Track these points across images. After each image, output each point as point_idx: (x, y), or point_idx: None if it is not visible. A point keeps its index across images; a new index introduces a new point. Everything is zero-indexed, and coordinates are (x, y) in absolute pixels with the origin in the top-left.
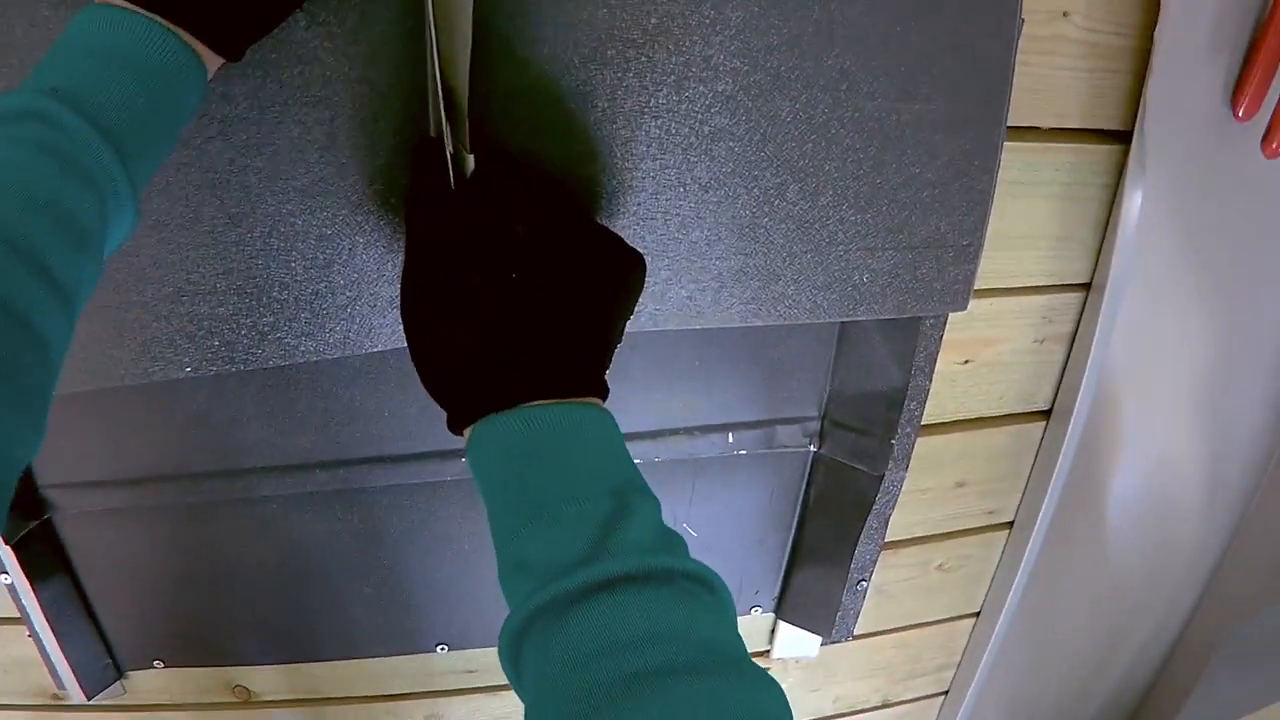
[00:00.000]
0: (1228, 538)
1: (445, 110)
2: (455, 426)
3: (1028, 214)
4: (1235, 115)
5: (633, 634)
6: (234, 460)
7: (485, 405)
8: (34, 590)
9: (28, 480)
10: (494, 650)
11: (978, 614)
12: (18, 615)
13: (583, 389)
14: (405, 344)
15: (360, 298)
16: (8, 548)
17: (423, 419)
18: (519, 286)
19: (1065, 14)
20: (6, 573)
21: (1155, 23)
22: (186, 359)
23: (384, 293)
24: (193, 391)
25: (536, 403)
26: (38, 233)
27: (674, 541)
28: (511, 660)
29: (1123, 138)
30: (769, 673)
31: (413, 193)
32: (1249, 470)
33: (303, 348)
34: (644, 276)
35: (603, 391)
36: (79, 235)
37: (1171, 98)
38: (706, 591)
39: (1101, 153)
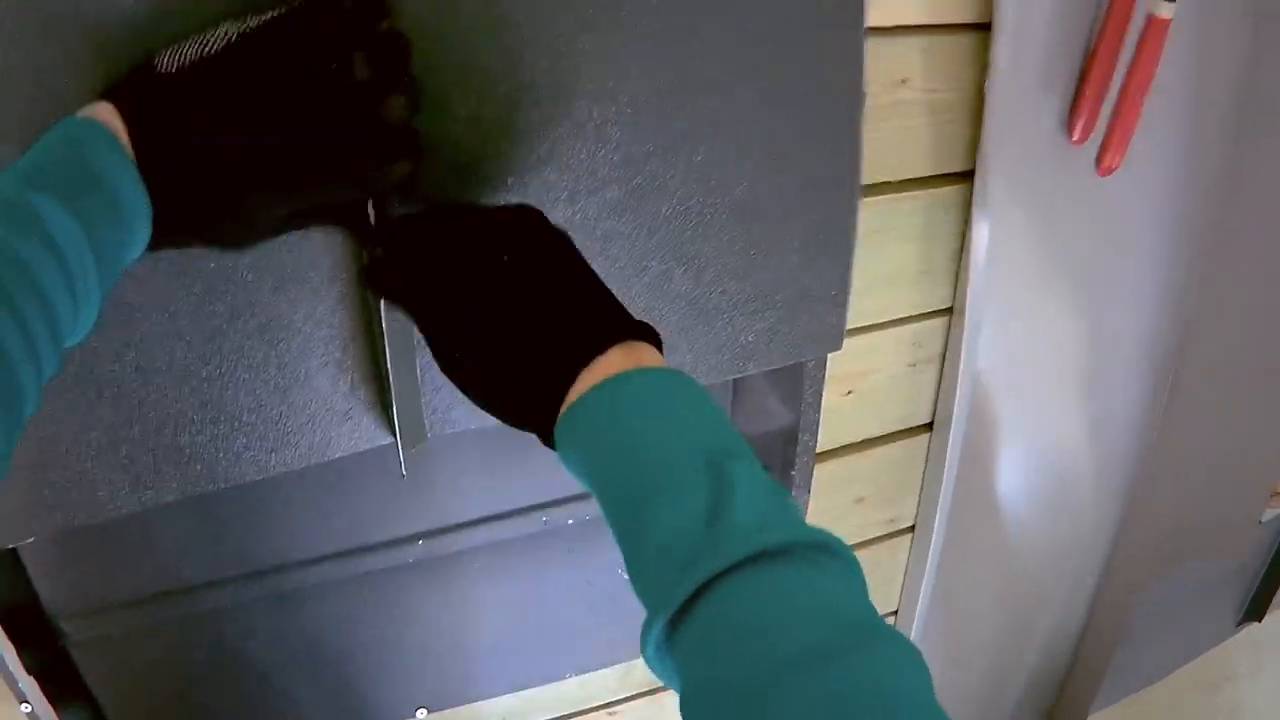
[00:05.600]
0: (1119, 518)
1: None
2: (547, 442)
3: (890, 257)
4: (1071, 139)
5: (765, 620)
6: (224, 569)
7: (548, 409)
8: (57, 717)
9: (39, 612)
10: (472, 705)
11: (895, 613)
12: None
13: (618, 333)
14: (361, 448)
15: (318, 414)
16: (30, 677)
17: (382, 513)
18: (510, 288)
19: (904, 81)
20: (28, 701)
21: (985, 77)
22: (174, 484)
23: (338, 406)
24: (176, 510)
25: (588, 387)
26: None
27: (784, 506)
28: (659, 659)
29: (969, 176)
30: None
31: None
32: (1129, 454)
33: (273, 463)
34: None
35: (640, 330)
36: (53, 326)
37: (1009, 135)
38: (830, 558)
39: (951, 193)
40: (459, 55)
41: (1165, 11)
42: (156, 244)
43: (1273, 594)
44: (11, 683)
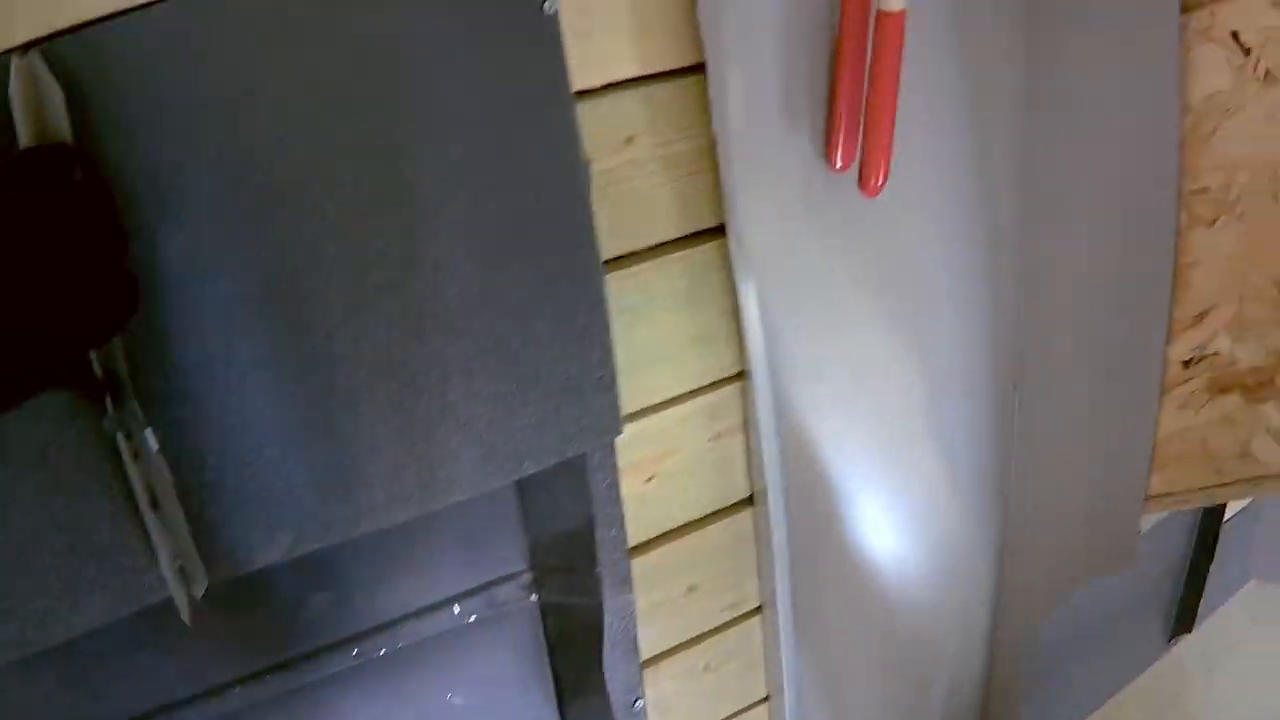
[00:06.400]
0: (993, 556)
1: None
2: None
3: (659, 328)
4: (833, 166)
5: None
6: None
7: None
8: None
9: None
10: None
11: (766, 699)
12: None
13: None
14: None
15: (105, 569)
16: None
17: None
18: None
19: (630, 139)
20: None
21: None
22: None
23: (123, 561)
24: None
25: None
26: None
27: None
28: None
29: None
30: None
31: None
32: (988, 487)
33: (76, 620)
34: None
35: None
36: None
37: (756, 177)
38: None
39: (710, 250)
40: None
41: (896, 4)
42: None
43: (1198, 601)
44: None
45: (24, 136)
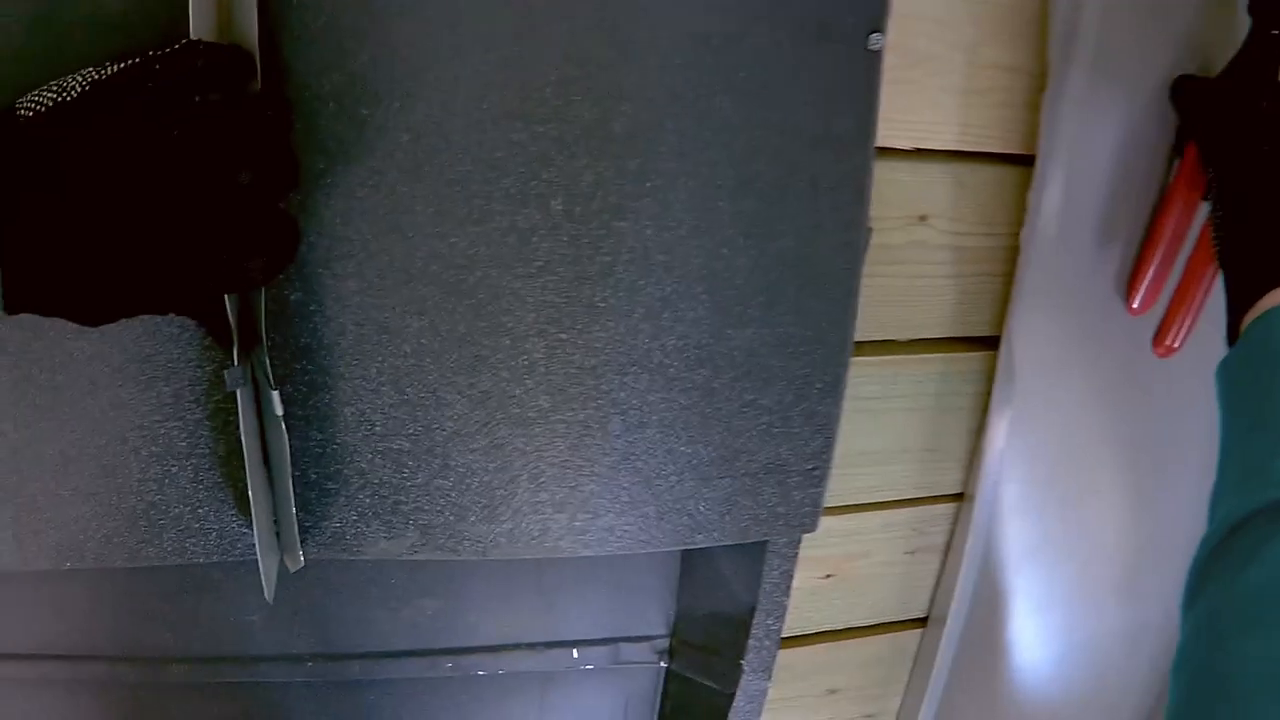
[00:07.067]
0: None
1: (237, 351)
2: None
3: (890, 428)
4: (1129, 306)
5: None
6: (100, 647)
7: None
8: None
9: None
10: None
11: None
12: None
13: None
14: (230, 559)
15: (188, 513)
16: None
17: (266, 626)
18: None
19: (923, 218)
20: None
21: (1023, 221)
22: (42, 556)
23: (209, 512)
24: (63, 578)
25: None
26: None
27: None
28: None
29: (994, 343)
30: None
31: None
32: (1159, 656)
33: (143, 554)
34: None
35: None
36: None
37: (1047, 297)
38: None
39: (974, 360)
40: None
41: None
42: (11, 306)
43: None
44: None
45: (198, 28)
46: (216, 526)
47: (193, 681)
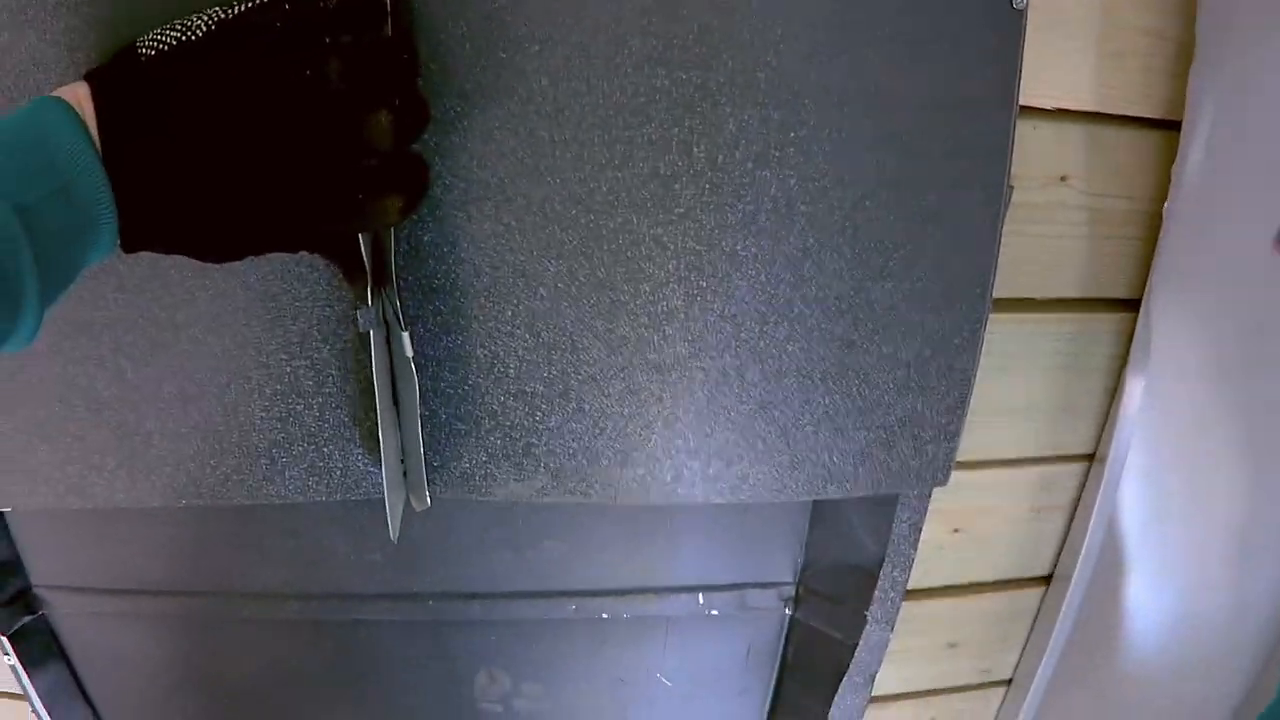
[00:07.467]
0: (1243, 695)
1: (370, 291)
2: None
3: (1023, 386)
4: None
5: None
6: (215, 582)
7: None
8: (30, 678)
9: (20, 578)
10: None
11: None
12: (22, 693)
13: None
14: (353, 497)
15: (308, 453)
16: (5, 637)
17: (387, 564)
18: None
19: (1064, 179)
20: (9, 654)
21: (1165, 185)
22: (157, 492)
23: (334, 451)
24: (179, 515)
25: None
26: None
27: None
28: None
29: (1130, 305)
30: None
31: None
32: (1269, 627)
33: (264, 491)
34: None
35: None
36: None
37: (1190, 260)
38: None
39: (1108, 321)
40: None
41: None
42: (129, 245)
43: None
44: None
45: None
46: (341, 465)
47: (312, 619)
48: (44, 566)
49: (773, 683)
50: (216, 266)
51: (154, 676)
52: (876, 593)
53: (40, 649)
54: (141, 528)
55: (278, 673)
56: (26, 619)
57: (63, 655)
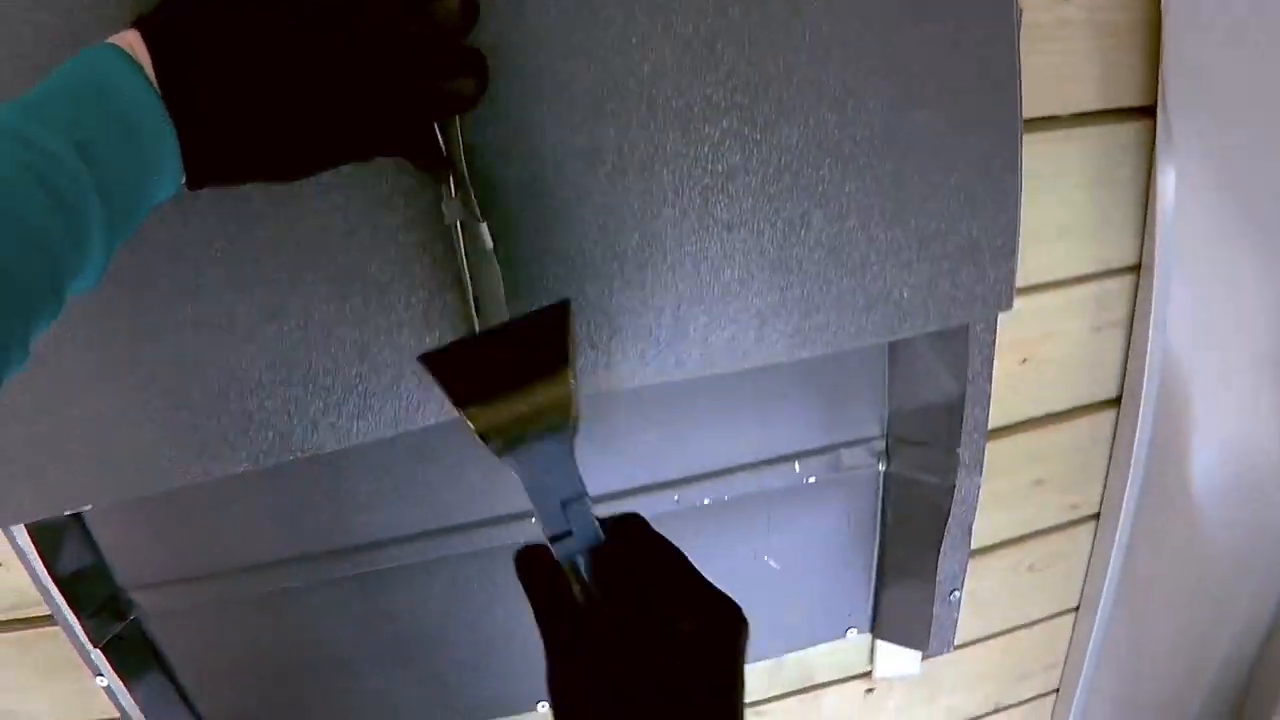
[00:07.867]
0: None
1: (453, 181)
2: None
3: (1062, 204)
4: None
5: None
6: (300, 546)
7: None
8: (130, 692)
9: (109, 584)
10: None
11: (1076, 609)
12: (118, 716)
13: None
14: (454, 415)
15: (403, 375)
16: (99, 650)
17: (484, 487)
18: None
19: None
20: (102, 675)
21: None
22: (242, 454)
23: (415, 380)
24: (254, 482)
25: None
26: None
27: None
28: None
29: (1150, 112)
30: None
31: (539, 607)
32: None
33: (356, 430)
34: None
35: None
36: (52, 276)
37: (1197, 52)
38: None
39: (1130, 130)
40: None
41: None
42: (195, 182)
43: None
44: (84, 654)
45: None
46: (428, 390)
47: (423, 560)
48: (130, 566)
49: (875, 551)
50: (285, 188)
51: (253, 667)
52: (962, 435)
53: (136, 660)
54: (222, 504)
55: (394, 629)
56: (118, 626)
57: (159, 662)
